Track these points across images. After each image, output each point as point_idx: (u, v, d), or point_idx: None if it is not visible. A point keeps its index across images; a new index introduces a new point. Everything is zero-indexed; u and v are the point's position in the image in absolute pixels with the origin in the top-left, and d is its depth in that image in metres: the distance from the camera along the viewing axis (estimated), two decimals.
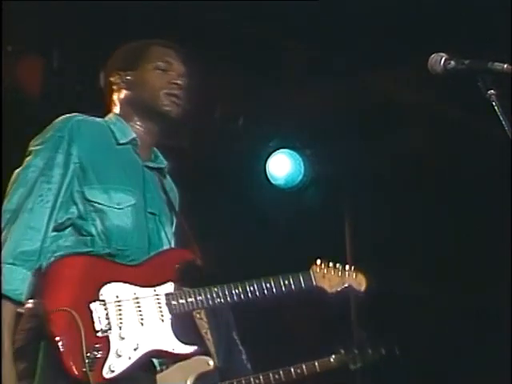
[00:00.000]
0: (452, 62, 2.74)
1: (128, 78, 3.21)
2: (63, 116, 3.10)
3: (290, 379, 4.52)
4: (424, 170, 6.57)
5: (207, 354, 4.43)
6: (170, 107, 3.19)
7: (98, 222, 2.98)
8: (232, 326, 4.71)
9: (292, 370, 4.53)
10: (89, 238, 2.97)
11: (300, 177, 6.73)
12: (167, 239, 3.19)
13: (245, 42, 5.74)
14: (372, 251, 6.50)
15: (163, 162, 3.28)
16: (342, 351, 4.71)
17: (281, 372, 4.50)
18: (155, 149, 3.29)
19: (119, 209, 3.02)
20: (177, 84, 3.21)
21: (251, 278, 3.25)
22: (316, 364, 4.61)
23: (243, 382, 4.43)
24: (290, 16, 5.50)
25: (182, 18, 5.41)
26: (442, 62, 2.73)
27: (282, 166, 6.72)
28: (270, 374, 4.48)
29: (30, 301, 2.92)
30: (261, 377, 4.46)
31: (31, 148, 3.05)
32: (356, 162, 6.52)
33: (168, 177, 3.33)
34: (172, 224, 3.26)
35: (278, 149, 6.71)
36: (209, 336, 4.55)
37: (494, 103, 2.63)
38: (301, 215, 6.54)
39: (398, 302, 6.49)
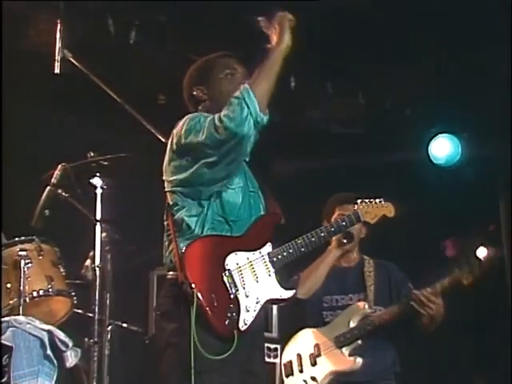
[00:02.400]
0: None
1: (206, 89, 3.55)
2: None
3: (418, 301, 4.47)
4: None
5: (367, 300, 4.64)
6: None
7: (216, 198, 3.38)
8: (399, 278, 4.78)
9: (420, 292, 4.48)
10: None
11: (458, 157, 6.87)
12: (264, 209, 3.55)
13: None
14: None
15: None
16: (457, 269, 4.49)
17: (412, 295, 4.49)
18: None
19: (232, 189, 3.41)
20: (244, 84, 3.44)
21: None
22: (437, 285, 4.49)
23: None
24: None
25: None
26: None
27: (443, 148, 6.88)
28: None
29: (171, 273, 3.32)
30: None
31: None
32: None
33: None
34: (263, 194, 3.59)
35: (439, 133, 6.88)
36: (371, 288, 4.69)
37: None
38: (458, 191, 6.68)
39: None
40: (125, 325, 5.00)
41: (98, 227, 4.53)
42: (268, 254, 3.43)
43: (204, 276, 3.25)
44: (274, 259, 3.43)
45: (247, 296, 3.30)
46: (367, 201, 3.93)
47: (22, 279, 4.42)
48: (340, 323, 4.64)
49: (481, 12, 5.49)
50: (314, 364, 4.60)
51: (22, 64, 5.10)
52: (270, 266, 3.42)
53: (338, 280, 4.78)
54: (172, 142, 3.45)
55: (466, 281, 4.47)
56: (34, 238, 4.59)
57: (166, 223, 3.45)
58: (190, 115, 3.45)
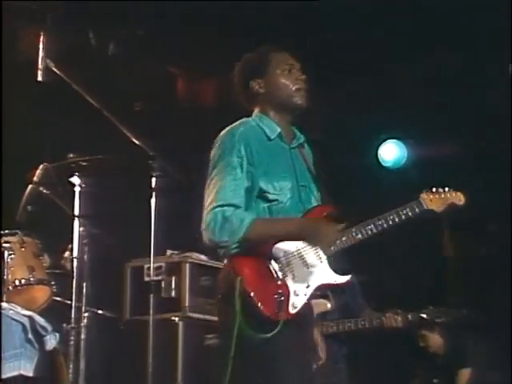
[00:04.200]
0: None
1: (264, 83, 3.37)
2: (228, 129, 3.30)
3: (382, 325, 4.59)
4: None
5: (327, 298, 4.59)
6: (301, 100, 3.37)
7: (265, 202, 3.26)
8: (358, 286, 4.86)
9: (388, 316, 4.58)
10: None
11: (404, 160, 7.03)
12: (316, 202, 3.39)
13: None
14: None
15: (301, 137, 3.46)
16: (431, 307, 4.62)
17: (382, 318, 4.58)
18: (293, 128, 3.45)
19: (280, 193, 3.25)
20: (301, 79, 3.39)
21: None
22: (409, 315, 4.58)
23: (352, 322, 4.58)
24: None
25: None
26: None
27: (390, 152, 7.05)
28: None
29: (225, 260, 3.22)
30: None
31: (216, 158, 3.26)
32: (452, 147, 6.67)
33: (305, 145, 3.50)
34: (317, 186, 3.42)
35: (387, 139, 7.05)
36: (337, 291, 4.60)
37: None
38: (404, 190, 6.66)
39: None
40: (100, 311, 5.02)
41: (76, 222, 4.61)
42: None
43: (251, 264, 3.15)
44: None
45: (295, 281, 3.16)
46: (434, 190, 3.49)
47: (5, 269, 4.40)
48: None
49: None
50: None
51: (9, 72, 5.14)
52: (320, 253, 3.24)
53: None
54: None
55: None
56: (17, 231, 4.56)
57: None
58: (218, 140, 3.29)
